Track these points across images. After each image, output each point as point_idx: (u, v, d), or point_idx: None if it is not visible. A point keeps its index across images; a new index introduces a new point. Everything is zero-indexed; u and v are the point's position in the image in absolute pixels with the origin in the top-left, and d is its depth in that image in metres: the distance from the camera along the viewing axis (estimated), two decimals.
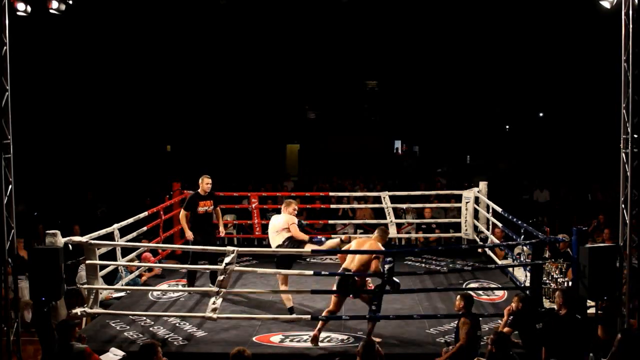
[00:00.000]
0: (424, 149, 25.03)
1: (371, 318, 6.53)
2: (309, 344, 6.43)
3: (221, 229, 8.83)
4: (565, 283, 7.80)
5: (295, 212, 7.42)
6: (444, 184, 15.84)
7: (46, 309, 6.45)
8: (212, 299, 6.73)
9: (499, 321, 6.97)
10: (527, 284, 7.38)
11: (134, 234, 8.59)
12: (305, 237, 7.31)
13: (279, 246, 7.21)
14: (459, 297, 6.25)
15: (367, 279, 6.83)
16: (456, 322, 6.21)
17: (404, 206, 11.35)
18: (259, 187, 14.15)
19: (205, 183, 8.20)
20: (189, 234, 8.23)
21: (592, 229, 10.46)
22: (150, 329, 6.96)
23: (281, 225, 7.27)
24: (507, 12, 16.87)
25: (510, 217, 8.68)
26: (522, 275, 8.12)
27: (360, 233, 11.50)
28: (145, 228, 8.96)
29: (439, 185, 15.40)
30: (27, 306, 8.03)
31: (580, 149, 18.99)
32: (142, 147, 20.48)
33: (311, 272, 7.14)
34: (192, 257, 8.18)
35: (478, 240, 10.32)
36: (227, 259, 6.72)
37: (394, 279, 6.53)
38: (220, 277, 6.74)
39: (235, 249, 6.90)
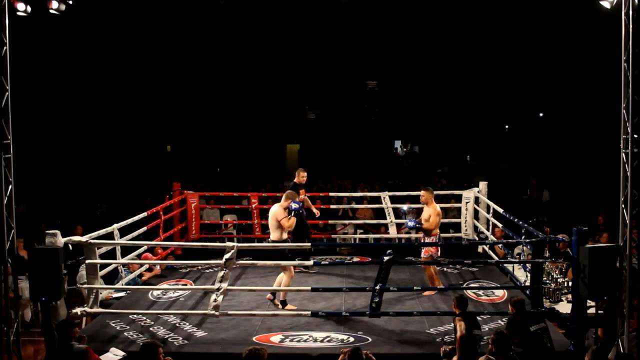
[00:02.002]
0: (424, 149, 25.04)
1: (371, 315, 6.56)
2: (309, 344, 6.44)
3: (315, 211, 9.51)
4: (566, 283, 7.82)
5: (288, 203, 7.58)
6: (445, 185, 15.83)
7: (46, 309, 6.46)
8: (213, 296, 6.75)
9: (499, 321, 6.99)
10: (527, 283, 7.39)
11: (134, 233, 8.60)
12: (287, 223, 7.53)
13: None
14: (452, 299, 6.34)
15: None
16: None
17: (405, 207, 11.33)
18: (259, 187, 14.15)
19: (301, 176, 9.20)
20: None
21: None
22: (150, 328, 6.96)
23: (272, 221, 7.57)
24: (507, 12, 16.85)
25: (510, 217, 8.68)
26: (522, 275, 8.13)
27: (361, 233, 11.52)
28: (145, 228, 8.96)
29: (439, 186, 15.38)
30: (27, 305, 8.04)
31: (581, 149, 18.98)
32: (142, 147, 20.48)
33: (311, 263, 7.73)
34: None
35: (478, 240, 10.30)
36: (227, 255, 6.77)
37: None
38: (221, 273, 6.78)
39: (235, 244, 6.96)
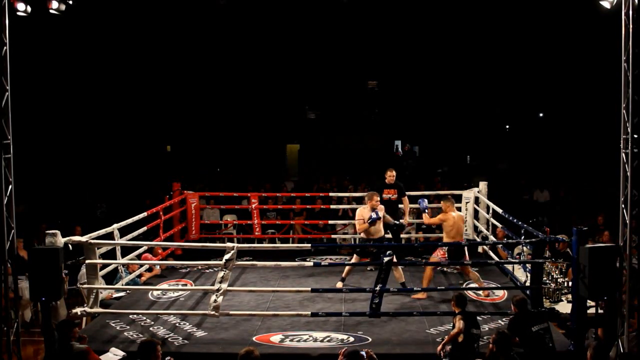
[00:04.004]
0: (424, 149, 25.03)
1: (371, 315, 6.58)
2: (309, 344, 6.44)
3: (406, 217, 9.53)
4: (566, 283, 7.82)
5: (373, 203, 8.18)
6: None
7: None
8: (213, 297, 6.75)
9: (500, 321, 7.00)
10: (527, 284, 7.39)
11: (134, 233, 8.60)
12: (358, 226, 8.25)
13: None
14: (452, 298, 6.35)
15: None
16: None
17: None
18: (259, 188, 14.14)
19: (388, 175, 9.33)
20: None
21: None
22: (150, 328, 6.97)
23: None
24: (507, 12, 16.84)
25: (510, 217, 8.68)
26: (522, 275, 8.13)
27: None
28: (145, 228, 8.96)
29: (439, 186, 15.34)
30: (27, 305, 8.03)
31: (581, 149, 18.97)
32: (142, 147, 20.47)
33: (311, 264, 7.72)
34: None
35: (478, 240, 10.30)
36: (227, 256, 6.78)
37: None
38: (221, 274, 6.78)
39: (235, 245, 6.98)
